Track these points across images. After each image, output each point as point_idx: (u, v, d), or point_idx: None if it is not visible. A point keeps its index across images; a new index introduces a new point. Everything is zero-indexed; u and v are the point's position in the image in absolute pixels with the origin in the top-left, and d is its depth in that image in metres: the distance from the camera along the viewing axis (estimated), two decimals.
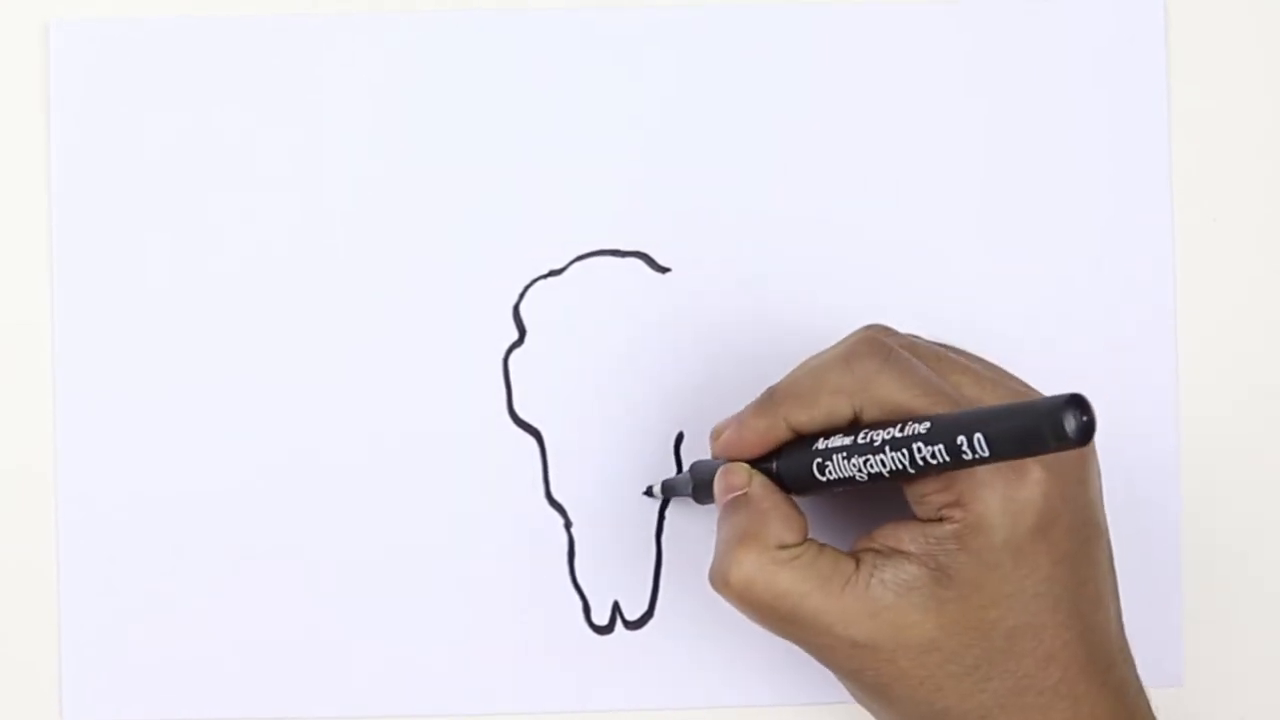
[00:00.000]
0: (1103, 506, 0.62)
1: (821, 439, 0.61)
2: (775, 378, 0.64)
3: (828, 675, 0.66)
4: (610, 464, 0.69)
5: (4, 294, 0.69)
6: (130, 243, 0.69)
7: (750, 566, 0.61)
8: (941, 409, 0.59)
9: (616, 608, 0.69)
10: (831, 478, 0.61)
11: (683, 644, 0.69)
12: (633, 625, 0.69)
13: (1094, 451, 0.62)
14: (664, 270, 0.70)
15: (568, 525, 0.69)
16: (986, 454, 0.57)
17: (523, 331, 0.69)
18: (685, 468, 0.69)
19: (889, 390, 0.60)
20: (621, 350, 0.69)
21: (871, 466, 0.60)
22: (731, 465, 0.64)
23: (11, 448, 0.69)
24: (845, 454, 0.60)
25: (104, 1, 0.70)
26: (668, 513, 0.69)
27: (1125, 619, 0.63)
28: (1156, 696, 0.63)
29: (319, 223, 0.69)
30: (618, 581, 0.69)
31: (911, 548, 0.60)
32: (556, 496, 0.69)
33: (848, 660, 0.61)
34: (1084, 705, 0.60)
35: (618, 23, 0.70)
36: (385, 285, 0.69)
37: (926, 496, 0.60)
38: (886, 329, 0.63)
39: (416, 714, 0.69)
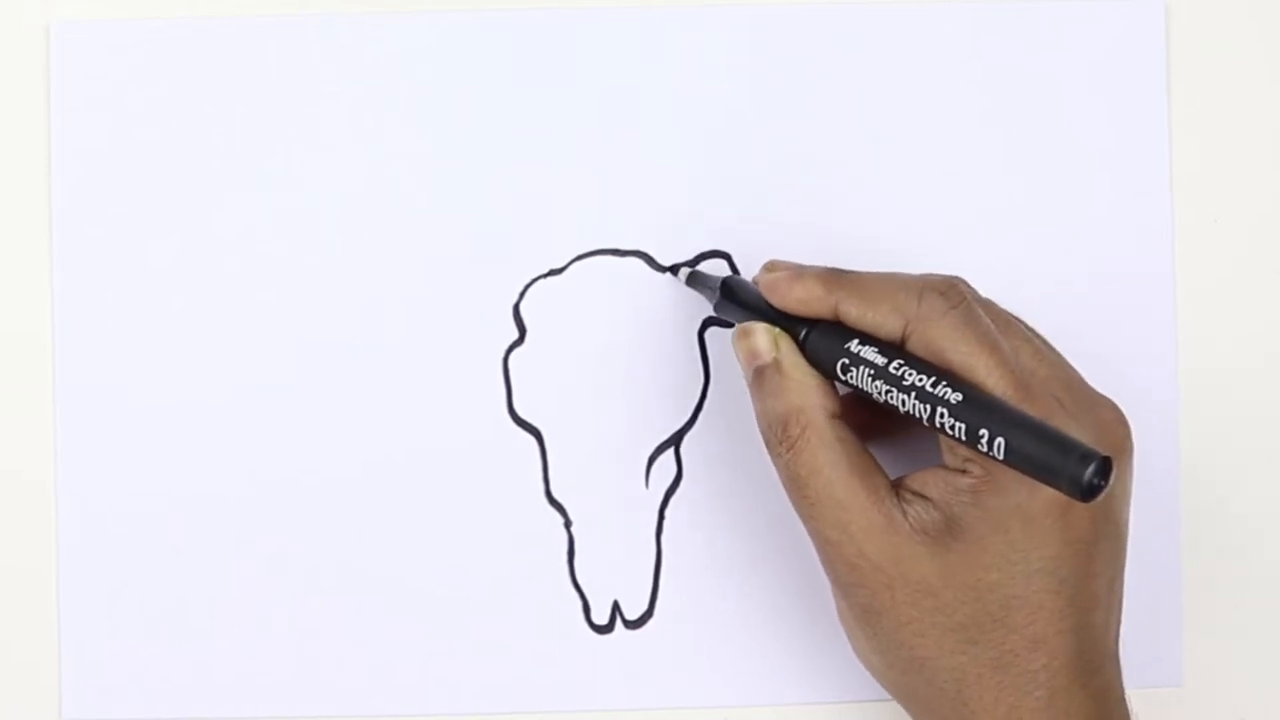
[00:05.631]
0: (1128, 510, 0.62)
1: (857, 341, 0.61)
2: None
3: (827, 676, 0.66)
4: (610, 464, 0.69)
5: (4, 295, 0.69)
6: (130, 244, 0.69)
7: (806, 440, 0.61)
8: (989, 363, 0.60)
9: (616, 607, 0.69)
10: (850, 381, 0.61)
11: (683, 644, 0.69)
12: (633, 625, 0.69)
13: (1131, 454, 0.62)
14: (664, 270, 0.70)
15: (568, 525, 0.69)
16: (1000, 458, 0.57)
17: (523, 331, 0.69)
18: (685, 470, 0.69)
19: (942, 336, 0.60)
20: (621, 350, 0.69)
21: (892, 398, 0.60)
22: (755, 326, 0.64)
23: (12, 449, 0.69)
24: (872, 372, 0.60)
25: (105, 3, 0.70)
26: (668, 512, 0.69)
27: (1125, 618, 0.63)
28: (1156, 696, 0.63)
29: (319, 223, 0.69)
30: (618, 581, 0.69)
31: (934, 494, 0.61)
32: (556, 496, 0.69)
33: (849, 570, 0.61)
34: (1060, 700, 0.60)
35: (618, 23, 0.70)
36: (385, 285, 0.69)
37: (955, 447, 0.61)
38: (967, 284, 0.63)
39: (416, 714, 0.69)
